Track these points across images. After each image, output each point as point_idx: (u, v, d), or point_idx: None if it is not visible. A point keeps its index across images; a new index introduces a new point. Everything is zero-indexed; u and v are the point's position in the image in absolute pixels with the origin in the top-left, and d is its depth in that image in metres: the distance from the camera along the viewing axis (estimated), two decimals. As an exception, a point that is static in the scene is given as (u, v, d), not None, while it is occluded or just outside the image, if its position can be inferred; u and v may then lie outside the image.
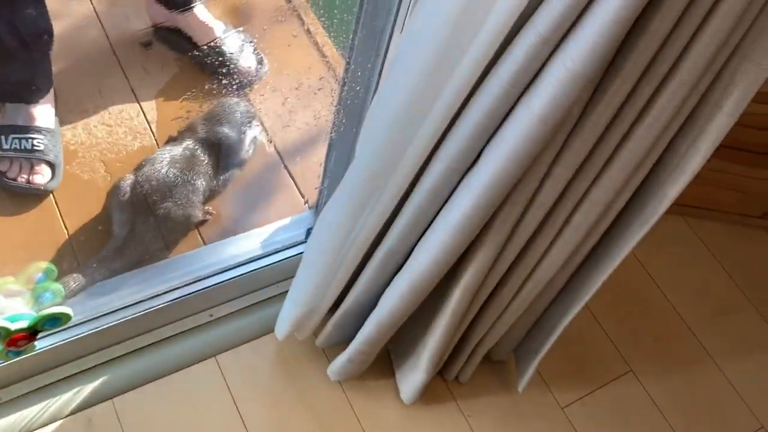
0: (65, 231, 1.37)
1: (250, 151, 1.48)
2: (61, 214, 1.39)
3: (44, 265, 1.02)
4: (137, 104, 1.54)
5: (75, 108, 1.51)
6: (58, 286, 1.03)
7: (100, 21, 1.63)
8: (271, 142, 1.55)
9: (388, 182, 0.85)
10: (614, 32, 0.58)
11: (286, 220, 1.40)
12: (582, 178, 0.78)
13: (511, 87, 0.66)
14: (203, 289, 1.23)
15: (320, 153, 1.52)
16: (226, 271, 1.26)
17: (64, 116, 1.48)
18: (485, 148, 0.74)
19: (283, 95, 1.61)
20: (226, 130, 1.42)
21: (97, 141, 1.48)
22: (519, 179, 0.75)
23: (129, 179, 1.35)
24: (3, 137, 1.37)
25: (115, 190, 1.36)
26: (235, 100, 1.49)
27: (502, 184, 0.74)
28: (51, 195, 1.40)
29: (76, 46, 1.57)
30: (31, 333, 0.99)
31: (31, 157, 1.37)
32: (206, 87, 1.57)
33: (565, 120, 0.68)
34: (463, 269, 0.91)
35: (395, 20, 0.85)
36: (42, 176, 1.37)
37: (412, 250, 0.95)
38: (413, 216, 0.88)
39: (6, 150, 1.36)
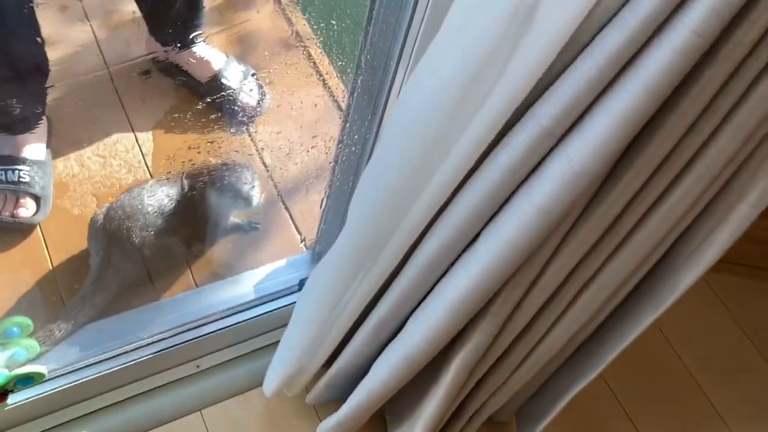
0: (51, 268, 1.32)
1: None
2: (48, 250, 1.34)
3: (19, 319, 0.97)
4: (133, 135, 1.50)
5: (68, 138, 1.46)
6: (32, 343, 0.98)
7: (99, 47, 1.58)
8: (270, 178, 1.50)
9: (380, 254, 0.79)
10: (624, 131, 0.52)
11: (282, 262, 1.34)
12: (588, 264, 0.71)
13: (510, 175, 0.60)
14: (192, 339, 1.18)
15: (321, 191, 1.47)
16: (216, 320, 1.20)
17: (56, 146, 1.44)
18: (483, 230, 0.68)
19: (285, 130, 1.55)
20: (220, 194, 1.34)
21: (90, 173, 1.43)
22: (520, 265, 0.69)
23: (104, 208, 1.30)
24: None
25: (91, 220, 1.31)
26: (241, 166, 1.38)
27: (501, 270, 0.68)
28: (39, 230, 1.35)
29: (73, 73, 1.52)
30: (2, 393, 0.94)
31: (16, 190, 1.32)
32: (205, 119, 1.52)
33: (569, 212, 0.62)
34: (461, 345, 0.85)
35: (392, 83, 0.79)
36: (26, 210, 1.32)
37: (407, 319, 0.89)
38: (407, 288, 0.82)
39: None
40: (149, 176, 1.45)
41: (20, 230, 1.33)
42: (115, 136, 1.49)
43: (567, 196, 0.57)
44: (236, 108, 1.50)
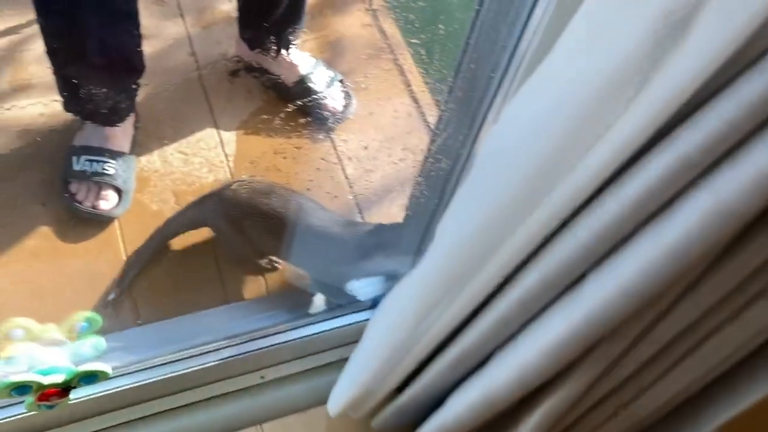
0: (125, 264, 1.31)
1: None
2: (124, 244, 1.33)
3: (89, 314, 0.95)
4: (217, 135, 1.48)
5: (153, 133, 1.46)
6: (99, 340, 0.95)
7: (191, 44, 1.58)
8: (351, 188, 1.45)
9: (469, 282, 0.72)
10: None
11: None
12: (713, 316, 0.62)
13: (634, 210, 0.52)
14: (258, 349, 1.13)
15: (400, 204, 1.41)
16: (285, 331, 1.15)
17: (141, 140, 1.43)
18: (591, 271, 0.60)
19: (370, 140, 1.50)
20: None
21: (171, 170, 1.42)
22: (632, 315, 0.60)
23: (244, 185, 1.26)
24: (75, 158, 1.33)
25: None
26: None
27: (610, 317, 0.60)
28: (116, 223, 1.34)
29: (163, 68, 1.53)
30: (65, 388, 0.92)
31: (99, 181, 1.32)
32: (293, 123, 1.49)
33: (704, 258, 0.53)
34: (549, 391, 0.77)
35: (494, 97, 0.72)
36: (107, 202, 1.32)
37: (491, 355, 0.82)
38: (495, 323, 0.74)
39: (76, 171, 1.32)
40: (230, 176, 1.42)
41: (98, 222, 1.33)
42: (199, 134, 1.48)
43: (706, 238, 0.49)
44: (322, 113, 1.46)
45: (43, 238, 1.30)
